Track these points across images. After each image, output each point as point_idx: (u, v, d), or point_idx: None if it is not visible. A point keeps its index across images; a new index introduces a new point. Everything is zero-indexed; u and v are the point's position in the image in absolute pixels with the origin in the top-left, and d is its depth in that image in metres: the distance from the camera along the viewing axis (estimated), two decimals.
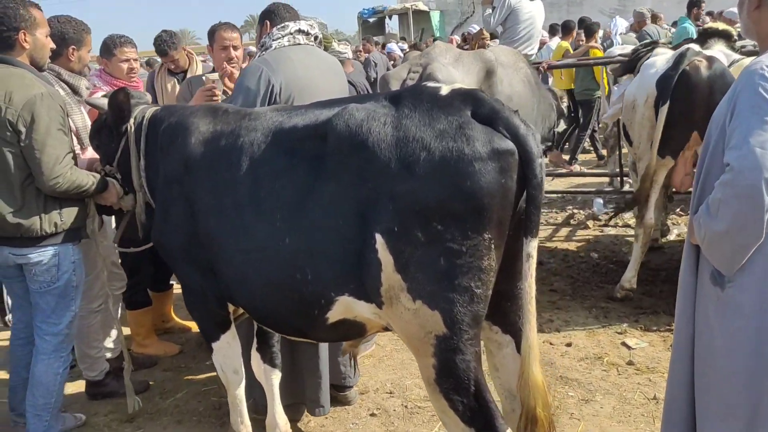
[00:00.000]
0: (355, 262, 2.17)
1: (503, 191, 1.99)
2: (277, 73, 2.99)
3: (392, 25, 22.50)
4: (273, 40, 3.12)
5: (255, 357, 3.11)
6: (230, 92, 3.72)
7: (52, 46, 3.09)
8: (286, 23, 3.13)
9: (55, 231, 2.96)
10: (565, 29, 9.26)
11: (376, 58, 11.01)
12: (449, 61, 5.13)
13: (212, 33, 4.08)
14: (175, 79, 4.82)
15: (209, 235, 2.57)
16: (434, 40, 13.43)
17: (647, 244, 4.70)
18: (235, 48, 4.04)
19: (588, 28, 9.06)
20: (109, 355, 3.98)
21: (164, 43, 4.71)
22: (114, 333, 4.04)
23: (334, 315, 2.33)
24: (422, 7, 21.04)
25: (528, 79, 5.32)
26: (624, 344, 4.06)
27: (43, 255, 2.96)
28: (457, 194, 1.97)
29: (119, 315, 3.83)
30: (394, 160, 2.04)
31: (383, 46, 11.71)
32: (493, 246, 2.03)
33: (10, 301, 4.83)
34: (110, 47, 4.12)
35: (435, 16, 21.18)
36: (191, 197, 2.63)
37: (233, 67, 4.04)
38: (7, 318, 4.86)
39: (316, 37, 3.22)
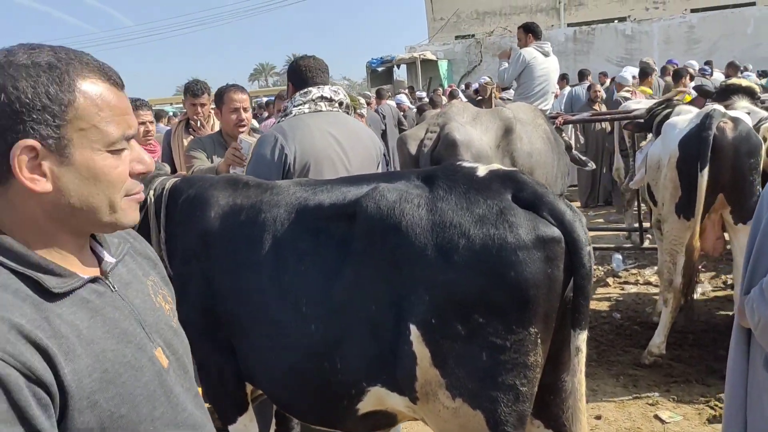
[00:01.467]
0: (388, 353, 2.03)
1: (549, 282, 1.86)
2: (292, 142, 2.90)
3: (400, 74, 22.75)
4: (294, 107, 3.04)
5: None
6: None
7: None
8: (309, 89, 3.04)
9: None
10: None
11: (384, 110, 11.04)
12: (467, 120, 5.07)
13: (221, 95, 4.02)
14: (192, 137, 4.76)
15: (229, 315, 2.44)
16: (441, 88, 13.53)
17: (677, 309, 4.54)
18: (245, 110, 3.98)
19: (643, 71, 8.96)
20: None
21: (198, 85, 4.67)
22: None
23: (365, 406, 2.18)
24: (430, 56, 21.26)
25: (547, 136, 5.25)
26: (657, 417, 3.86)
27: None
28: (500, 285, 1.84)
29: None
30: (430, 246, 1.92)
31: (377, 95, 11.77)
32: (539, 340, 1.89)
33: None
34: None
35: (443, 65, 21.39)
36: (210, 274, 2.50)
37: (243, 129, 3.97)
38: None
39: (341, 103, 3.13)
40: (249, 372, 2.49)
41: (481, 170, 2.04)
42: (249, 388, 2.65)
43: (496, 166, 2.09)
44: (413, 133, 5.11)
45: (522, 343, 1.87)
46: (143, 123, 4.06)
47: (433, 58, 21.34)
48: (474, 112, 5.21)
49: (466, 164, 2.11)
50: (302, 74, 3.08)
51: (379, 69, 22.33)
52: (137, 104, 4.06)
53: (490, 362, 1.87)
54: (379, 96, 11.61)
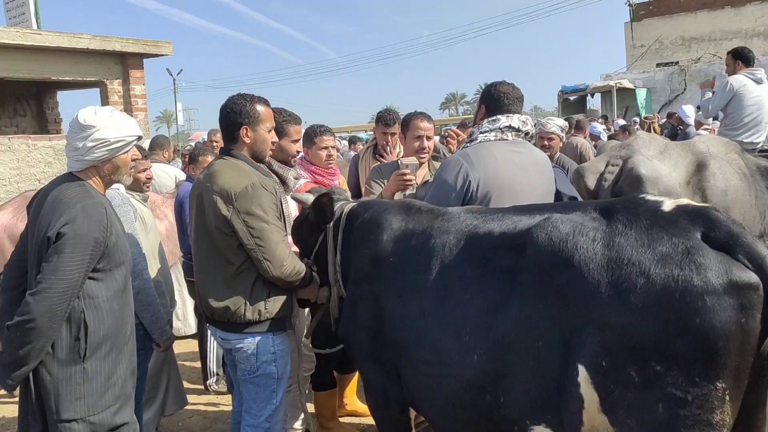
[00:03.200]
0: (554, 392, 1.92)
1: (742, 333, 1.65)
2: (477, 170, 2.88)
3: (594, 102, 21.88)
4: (480, 133, 3.02)
5: None
6: (418, 182, 3.71)
7: (275, 139, 3.20)
8: (498, 117, 3.00)
9: (258, 319, 2.92)
10: None
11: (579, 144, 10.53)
12: (654, 153, 4.70)
13: (407, 122, 4.11)
14: (378, 162, 4.94)
15: (394, 337, 2.47)
16: (639, 117, 12.74)
17: None
18: (429, 138, 4.03)
19: None
20: None
21: (390, 114, 4.87)
22: (301, 415, 4.08)
23: None
24: (627, 84, 20.20)
25: (743, 171, 4.69)
26: None
27: (243, 342, 2.94)
28: (683, 333, 1.66)
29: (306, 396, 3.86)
30: (605, 284, 1.79)
31: (576, 126, 10.69)
32: (727, 397, 1.67)
33: (214, 368, 5.16)
34: (311, 136, 4.31)
35: (641, 94, 20.21)
36: (379, 296, 2.56)
37: (424, 157, 4.03)
38: (208, 382, 5.18)
39: (527, 133, 3.06)
40: (411, 396, 2.49)
41: (668, 204, 1.87)
42: (412, 413, 2.66)
43: (685, 200, 1.91)
44: (592, 165, 4.82)
45: (706, 398, 1.66)
46: (326, 148, 4.28)
47: (631, 86, 20.24)
48: (662, 144, 4.82)
49: (650, 197, 1.95)
50: (498, 100, 3.04)
51: (572, 97, 21.63)
52: (321, 130, 4.30)
53: (667, 415, 1.69)
54: (578, 127, 10.51)
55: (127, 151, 2.67)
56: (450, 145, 5.19)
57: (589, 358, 1.80)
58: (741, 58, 6.04)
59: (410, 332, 2.36)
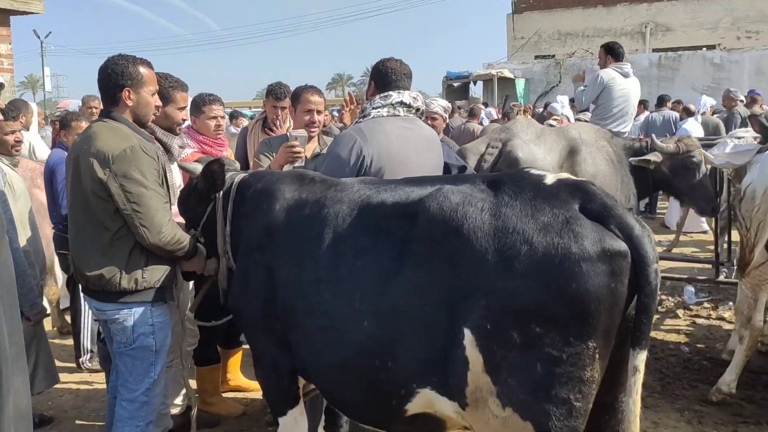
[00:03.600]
0: (440, 356, 2.01)
1: (612, 297, 1.80)
2: (370, 145, 2.92)
3: (476, 90, 22.64)
4: (372, 108, 3.06)
5: None
6: (307, 156, 3.70)
7: (158, 103, 3.09)
8: (390, 93, 3.05)
9: (135, 288, 2.83)
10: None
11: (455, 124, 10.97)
12: (531, 137, 4.98)
13: (297, 95, 4.08)
14: (267, 136, 4.87)
15: (286, 306, 2.47)
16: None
17: (753, 348, 4.30)
18: (319, 112, 4.03)
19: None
20: (174, 411, 3.91)
21: (282, 88, 4.78)
22: (182, 390, 3.98)
23: (413, 408, 2.16)
24: (508, 74, 21.06)
25: (611, 158, 5.08)
26: None
27: (119, 313, 2.85)
28: (561, 296, 1.79)
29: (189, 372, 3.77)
30: (491, 251, 1.89)
31: (470, 113, 11.64)
32: (597, 356, 1.83)
33: (88, 344, 4.91)
34: (199, 104, 4.19)
35: (520, 84, 21.16)
36: (271, 265, 2.55)
37: (314, 131, 4.03)
38: (81, 360, 4.93)
39: (418, 109, 3.13)
40: (301, 365, 2.51)
41: (550, 178, 2.00)
42: (302, 382, 2.68)
43: (565, 175, 2.05)
44: (473, 146, 5.03)
45: (579, 357, 1.81)
46: (215, 117, 4.18)
47: (511, 76, 21.13)
48: (538, 129, 5.11)
49: (534, 171, 2.08)
50: (386, 76, 3.09)
51: (456, 84, 22.28)
52: (210, 99, 4.19)
53: (544, 374, 1.82)
54: (472, 114, 11.48)
55: None
56: (344, 111, 5.20)
57: (475, 321, 1.89)
58: (611, 52, 6.47)
59: (303, 300, 2.37)
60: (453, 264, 1.97)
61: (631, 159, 5.02)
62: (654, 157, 4.91)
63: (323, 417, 2.95)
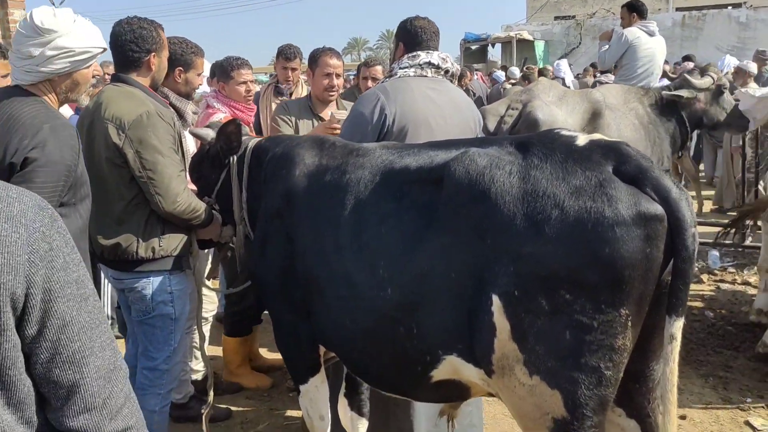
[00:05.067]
0: (466, 322, 1.96)
1: (647, 262, 1.73)
2: (393, 104, 2.82)
3: (494, 53, 22.24)
4: (399, 68, 2.95)
5: (342, 403, 2.93)
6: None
7: (166, 67, 3.01)
8: (418, 53, 2.93)
9: (152, 256, 2.80)
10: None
11: (475, 87, 10.81)
12: (552, 99, 4.85)
13: (314, 58, 3.99)
14: (280, 99, 4.79)
15: (306, 274, 2.43)
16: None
17: None
18: (338, 76, 3.93)
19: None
20: (194, 377, 3.93)
21: (291, 49, 4.69)
22: (200, 356, 3.99)
23: (438, 375, 2.12)
24: (527, 36, 20.62)
25: (641, 121, 4.94)
26: (748, 424, 3.61)
27: (137, 282, 2.82)
28: (593, 262, 1.72)
29: (206, 338, 3.76)
30: (520, 216, 1.82)
31: (490, 75, 11.48)
32: (629, 323, 1.76)
33: (109, 311, 4.92)
34: (228, 70, 4.09)
35: (539, 46, 20.72)
36: (291, 233, 2.50)
37: (332, 95, 3.93)
38: None
39: (447, 71, 3.00)
40: (322, 333, 2.48)
41: (581, 139, 1.91)
42: (322, 349, 2.65)
43: (597, 136, 1.96)
44: (493, 108, 4.91)
45: (610, 324, 1.74)
46: (244, 82, 4.10)
47: (530, 38, 20.69)
48: (561, 91, 4.98)
49: (565, 132, 1.98)
50: (415, 35, 2.96)
51: (473, 47, 21.87)
52: (238, 63, 4.10)
53: (573, 341, 1.76)
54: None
55: (89, 65, 2.35)
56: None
57: (503, 288, 1.83)
58: (636, 10, 6.27)
59: (324, 268, 2.32)
60: (480, 229, 1.90)
61: (663, 92, 4.96)
62: (687, 93, 4.86)
63: (344, 384, 2.93)
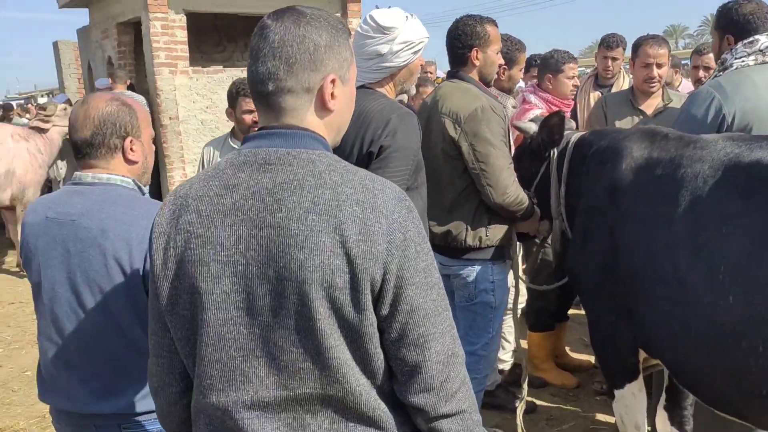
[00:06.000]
0: None
1: None
2: (732, 101, 2.50)
3: None
4: (735, 59, 2.62)
5: (661, 415, 2.73)
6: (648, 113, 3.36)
7: (501, 62, 3.08)
8: (756, 37, 2.59)
9: (478, 245, 2.90)
10: None
11: None
12: None
13: (637, 47, 3.74)
14: (600, 93, 4.62)
15: (630, 273, 2.29)
16: None
17: None
18: (659, 66, 3.63)
19: None
20: (501, 366, 4.01)
21: (614, 37, 4.54)
22: (509, 346, 4.06)
23: None
24: None
25: None
26: None
27: (463, 269, 2.95)
28: None
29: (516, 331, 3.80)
30: None
31: None
32: None
33: None
34: (558, 63, 4.07)
35: None
36: (615, 229, 2.39)
37: (652, 87, 3.64)
38: None
39: None
40: (644, 337, 2.32)
41: None
42: (642, 354, 2.49)
43: None
44: None
45: None
46: (572, 77, 4.06)
47: None
48: None
49: None
50: (746, 23, 2.62)
51: None
52: (567, 57, 4.07)
53: None
54: None
55: (419, 55, 2.54)
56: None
57: None
58: None
59: (652, 268, 2.17)
60: None
61: None
62: None
63: (663, 395, 2.72)
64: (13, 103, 15.30)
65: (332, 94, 1.25)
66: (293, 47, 1.20)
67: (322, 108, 1.25)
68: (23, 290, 6.58)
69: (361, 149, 2.33)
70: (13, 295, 6.65)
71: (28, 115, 10.88)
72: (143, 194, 1.90)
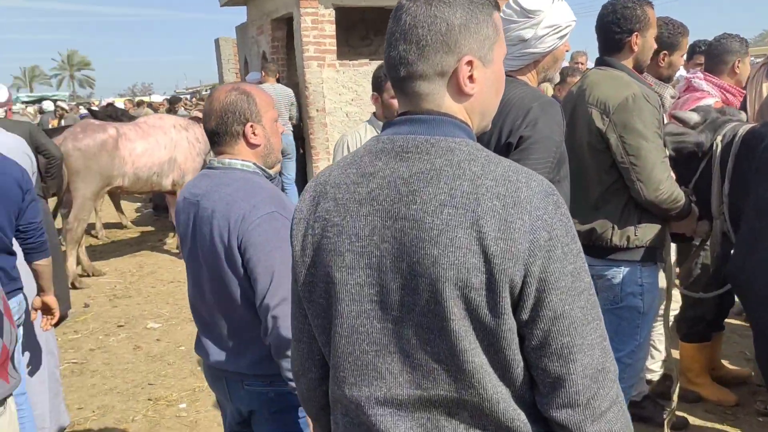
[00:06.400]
0: None
1: None
2: None
3: None
4: None
5: None
6: None
7: (655, 46, 2.83)
8: None
9: (626, 245, 2.69)
10: None
11: None
12: None
13: None
14: None
15: None
16: None
17: None
18: None
19: None
20: (649, 377, 3.74)
21: None
22: (659, 355, 3.78)
23: None
24: None
25: None
26: None
27: (608, 270, 2.74)
28: None
29: (664, 339, 3.52)
30: None
31: None
32: None
33: None
34: (744, 47, 3.76)
35: None
36: None
37: None
38: None
39: None
40: None
41: None
42: None
43: None
44: None
45: None
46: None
47: None
48: None
49: None
50: None
51: None
52: (746, 41, 3.75)
53: None
54: None
55: (565, 41, 2.39)
56: None
57: None
58: None
59: None
60: None
61: None
62: None
63: None
64: (181, 97, 16.67)
65: (471, 77, 1.16)
66: (424, 29, 1.12)
67: (459, 93, 1.17)
68: (182, 270, 7.12)
69: (499, 140, 2.22)
70: (172, 274, 7.23)
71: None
72: (268, 177, 2.01)
